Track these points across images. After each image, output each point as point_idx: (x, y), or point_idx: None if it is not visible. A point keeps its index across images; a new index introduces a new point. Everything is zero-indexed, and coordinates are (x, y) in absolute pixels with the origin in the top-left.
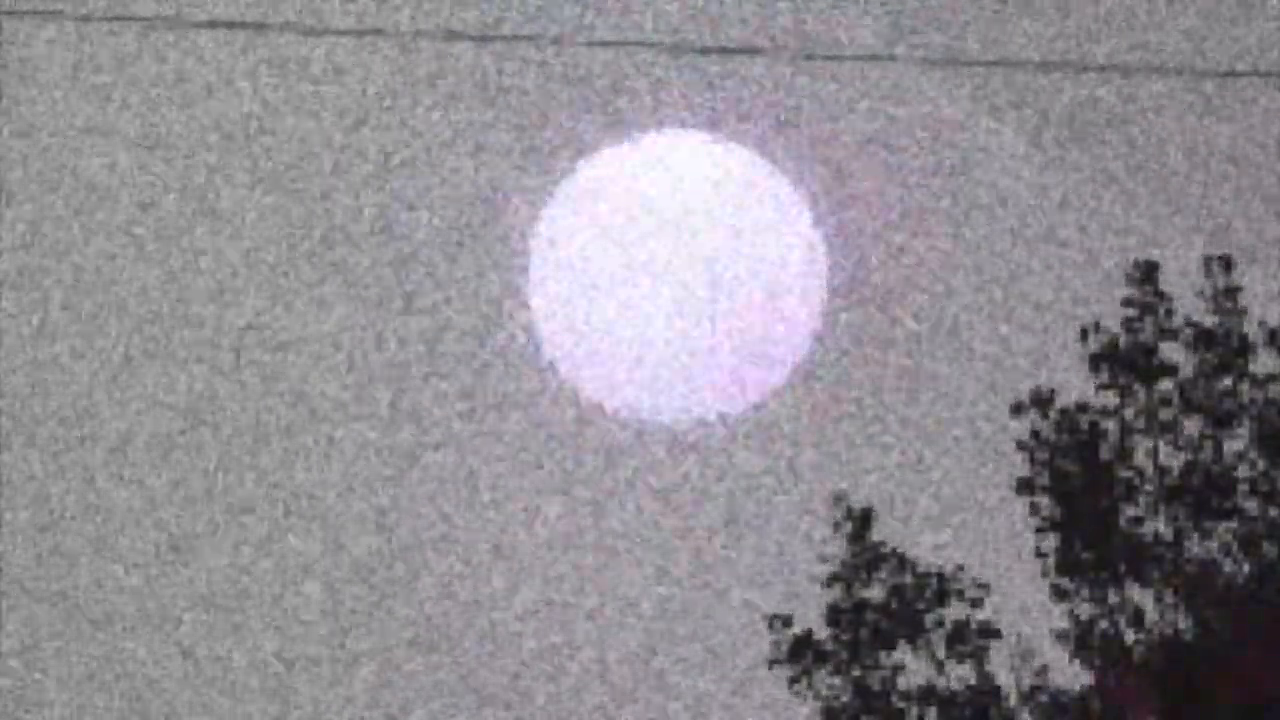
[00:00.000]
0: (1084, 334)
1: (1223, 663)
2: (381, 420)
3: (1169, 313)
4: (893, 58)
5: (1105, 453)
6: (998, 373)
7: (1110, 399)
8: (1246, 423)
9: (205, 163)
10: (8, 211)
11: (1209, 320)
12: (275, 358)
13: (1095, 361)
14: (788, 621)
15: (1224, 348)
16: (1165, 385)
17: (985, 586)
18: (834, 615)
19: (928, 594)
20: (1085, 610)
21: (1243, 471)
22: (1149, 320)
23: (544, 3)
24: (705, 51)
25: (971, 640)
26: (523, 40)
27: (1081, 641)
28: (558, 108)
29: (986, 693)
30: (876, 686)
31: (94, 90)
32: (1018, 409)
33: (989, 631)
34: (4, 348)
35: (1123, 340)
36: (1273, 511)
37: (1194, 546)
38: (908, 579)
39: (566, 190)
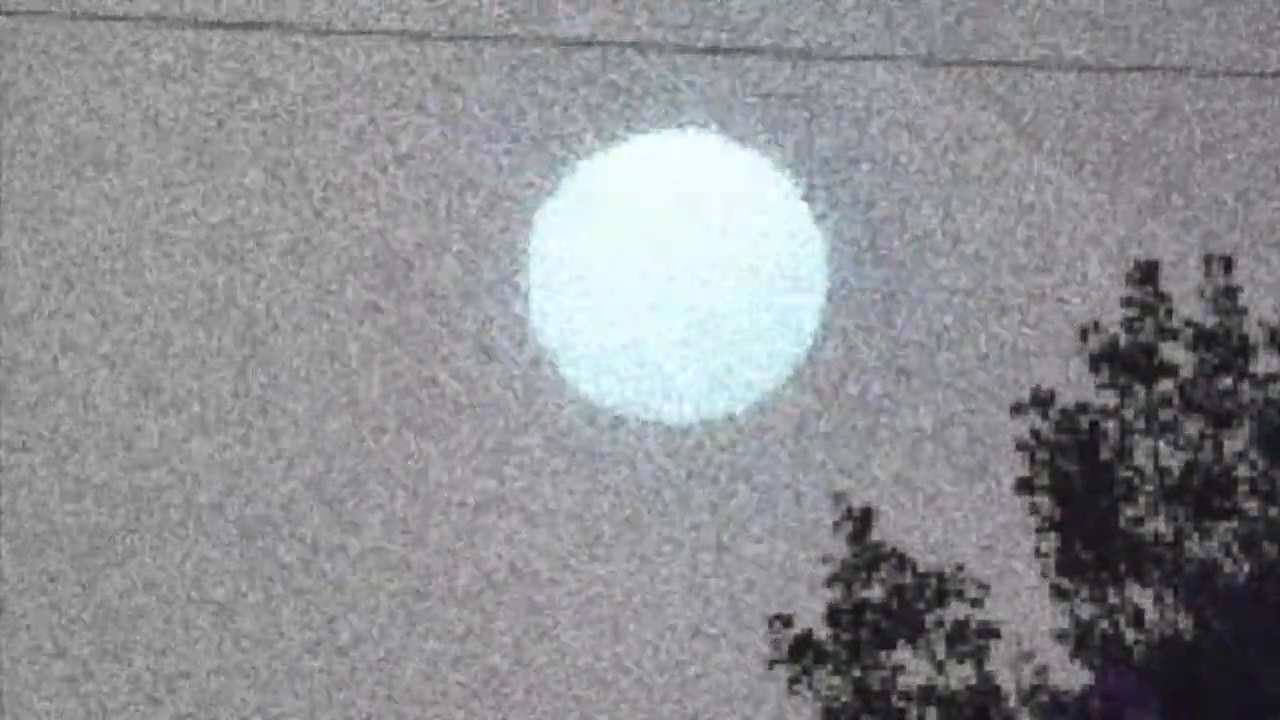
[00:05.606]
0: (1084, 334)
1: (1223, 663)
2: (380, 420)
3: (1169, 313)
4: (893, 58)
5: (1105, 453)
6: (998, 373)
7: (1110, 399)
8: (1246, 423)
9: (204, 163)
10: (7, 210)
11: (1209, 320)
12: (272, 358)
13: (1095, 361)
14: (788, 621)
15: (1224, 348)
16: (1165, 385)
17: (985, 586)
18: (834, 615)
19: (928, 594)
20: (1085, 610)
21: (1243, 471)
22: (1149, 320)
23: (544, 3)
24: (705, 51)
25: (971, 640)
26: (523, 40)
27: (1081, 641)
28: (558, 108)
29: (986, 693)
30: (876, 686)
31: (94, 90)
32: (1018, 409)
33: (989, 631)
34: (4, 346)
35: (1123, 340)
36: (1273, 511)
37: (1194, 546)
38: (908, 579)
39: (566, 190)
